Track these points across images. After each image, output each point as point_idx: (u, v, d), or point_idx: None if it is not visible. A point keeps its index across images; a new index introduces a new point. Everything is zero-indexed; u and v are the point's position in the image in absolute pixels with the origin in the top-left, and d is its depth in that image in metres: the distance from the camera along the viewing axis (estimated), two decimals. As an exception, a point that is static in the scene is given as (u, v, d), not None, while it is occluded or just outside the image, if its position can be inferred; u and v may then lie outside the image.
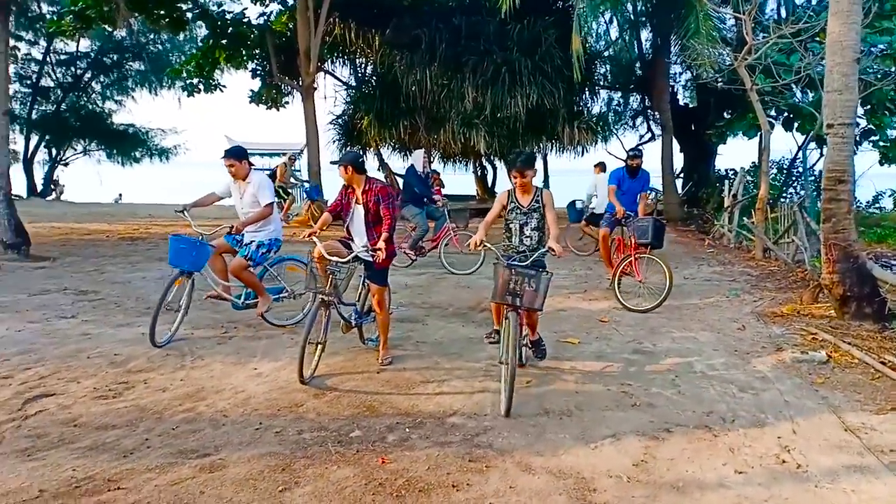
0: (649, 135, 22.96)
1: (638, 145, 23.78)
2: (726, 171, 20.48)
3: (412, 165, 10.39)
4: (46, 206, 22.56)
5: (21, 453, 3.79)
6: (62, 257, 10.84)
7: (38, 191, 29.59)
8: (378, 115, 18.09)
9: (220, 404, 4.61)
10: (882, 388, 4.97)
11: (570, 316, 7.37)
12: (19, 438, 4.00)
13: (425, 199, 10.10)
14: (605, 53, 21.58)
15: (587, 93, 20.34)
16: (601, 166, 11.77)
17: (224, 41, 18.80)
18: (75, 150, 32.15)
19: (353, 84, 21.61)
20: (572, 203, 13.09)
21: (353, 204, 5.52)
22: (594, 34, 20.21)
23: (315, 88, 18.01)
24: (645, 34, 21.02)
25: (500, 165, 22.90)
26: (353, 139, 20.00)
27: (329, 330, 5.33)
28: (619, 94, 23.10)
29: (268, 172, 15.15)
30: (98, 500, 3.29)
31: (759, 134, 14.42)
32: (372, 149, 20.39)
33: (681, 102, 21.90)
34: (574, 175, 9.94)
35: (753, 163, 17.91)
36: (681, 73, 21.24)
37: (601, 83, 21.42)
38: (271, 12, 19.72)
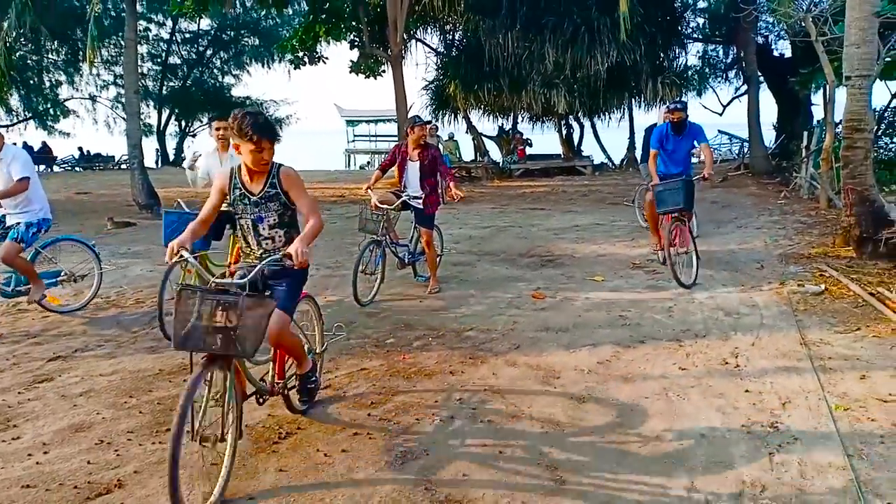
0: (745, 87, 22.32)
1: (733, 98, 23.37)
2: (818, 122, 19.76)
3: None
4: (175, 174, 25.37)
5: (148, 349, 5.27)
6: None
7: (171, 160, 33.01)
8: (464, 79, 18.99)
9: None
10: (860, 315, 5.52)
11: (607, 259, 8.19)
12: (147, 340, 5.50)
13: None
14: (700, 4, 21.19)
15: (675, 47, 20.20)
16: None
17: (322, 15, 20.26)
18: (201, 122, 35.50)
19: (442, 51, 22.56)
20: None
21: (407, 161, 6.66)
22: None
23: (403, 57, 19.14)
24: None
25: (587, 124, 23.23)
26: (443, 104, 21.04)
27: (385, 266, 6.53)
28: (715, 46, 22.58)
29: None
30: (199, 373, 4.66)
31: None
32: (461, 113, 21.36)
33: (775, 53, 21.19)
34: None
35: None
36: (776, 24, 20.45)
37: (693, 36, 21.08)
38: (364, -15, 20.93)
